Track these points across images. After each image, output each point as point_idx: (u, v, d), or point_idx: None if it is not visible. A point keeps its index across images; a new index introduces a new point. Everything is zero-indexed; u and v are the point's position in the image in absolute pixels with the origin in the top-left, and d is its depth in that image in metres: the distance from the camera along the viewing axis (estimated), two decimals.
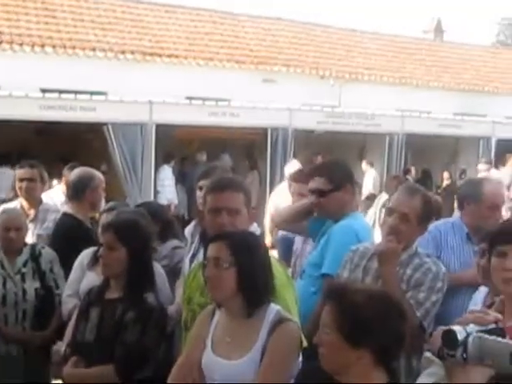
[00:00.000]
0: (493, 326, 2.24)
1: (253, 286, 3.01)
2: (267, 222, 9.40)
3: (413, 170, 16.76)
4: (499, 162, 16.99)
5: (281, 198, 8.39)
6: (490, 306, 3.13)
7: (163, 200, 14.36)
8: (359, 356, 2.53)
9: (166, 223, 5.42)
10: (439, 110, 18.54)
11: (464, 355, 2.13)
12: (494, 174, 13.77)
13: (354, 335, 2.52)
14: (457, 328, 2.18)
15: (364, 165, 16.75)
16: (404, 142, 16.76)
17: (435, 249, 4.48)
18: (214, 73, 17.79)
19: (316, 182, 4.41)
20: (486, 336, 2.14)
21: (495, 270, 3.02)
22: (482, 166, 14.38)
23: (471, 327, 2.19)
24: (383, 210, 10.13)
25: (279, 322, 2.99)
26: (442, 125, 17.62)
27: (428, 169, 18.64)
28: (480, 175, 12.58)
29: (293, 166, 9.16)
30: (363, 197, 13.73)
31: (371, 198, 12.53)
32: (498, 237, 3.08)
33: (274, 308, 3.05)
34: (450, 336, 2.17)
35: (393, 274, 3.67)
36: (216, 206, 3.51)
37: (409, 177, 15.23)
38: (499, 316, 2.31)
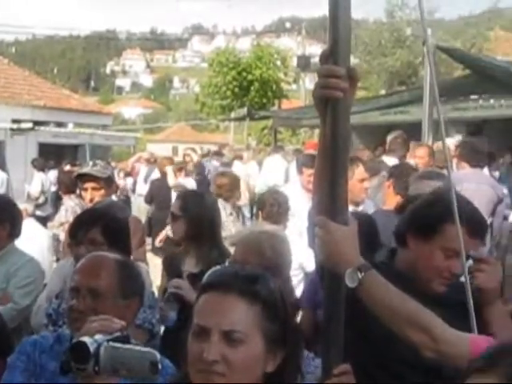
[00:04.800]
0: (118, 333, 2.08)
1: None
2: None
3: None
4: None
5: None
6: None
7: None
8: None
9: None
10: None
11: (96, 368, 1.95)
12: None
13: None
14: (87, 339, 1.98)
15: None
16: None
17: None
18: None
19: None
20: (119, 345, 1.99)
21: None
22: None
23: (100, 337, 2.01)
24: None
25: None
26: None
27: None
28: None
29: None
30: None
31: None
32: None
33: None
34: (79, 349, 1.96)
35: None
36: None
37: None
38: (124, 323, 2.17)
